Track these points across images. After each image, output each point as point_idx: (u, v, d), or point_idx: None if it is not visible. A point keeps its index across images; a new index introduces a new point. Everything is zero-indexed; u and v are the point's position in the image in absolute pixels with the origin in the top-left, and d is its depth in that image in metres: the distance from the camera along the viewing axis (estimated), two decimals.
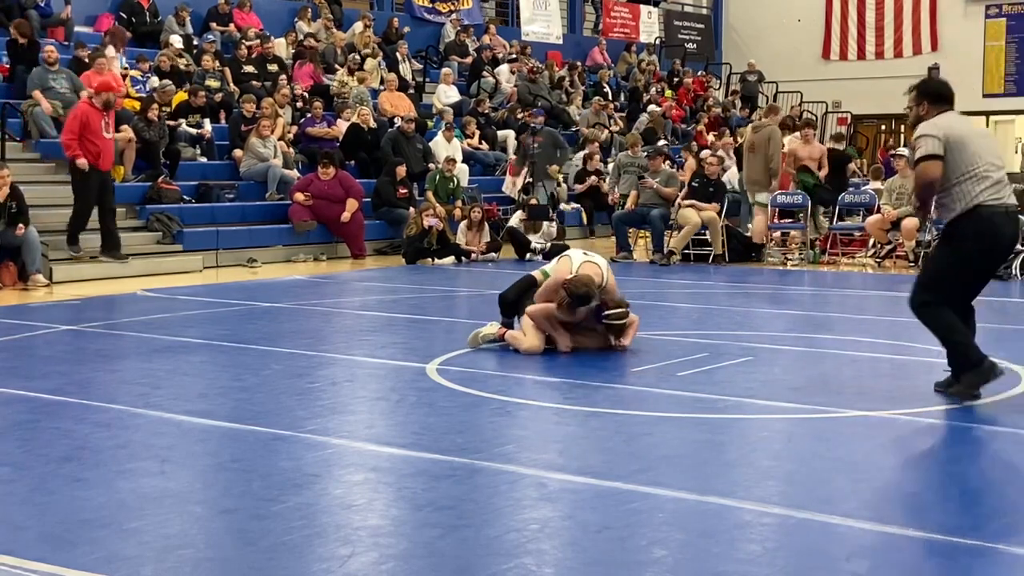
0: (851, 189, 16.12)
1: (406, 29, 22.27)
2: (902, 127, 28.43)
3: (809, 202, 14.93)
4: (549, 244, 15.29)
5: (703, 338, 7.78)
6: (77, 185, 12.96)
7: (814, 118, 22.13)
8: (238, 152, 15.87)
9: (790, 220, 15.54)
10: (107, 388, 6.89)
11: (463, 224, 15.40)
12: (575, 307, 7.57)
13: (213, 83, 17.09)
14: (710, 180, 15.10)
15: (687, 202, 14.77)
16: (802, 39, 28.68)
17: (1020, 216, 6.49)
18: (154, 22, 18.54)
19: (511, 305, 8.05)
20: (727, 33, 30.73)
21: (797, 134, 16.51)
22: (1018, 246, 12.93)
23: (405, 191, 16.26)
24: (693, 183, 15.09)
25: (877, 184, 17.18)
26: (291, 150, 16.39)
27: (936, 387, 6.45)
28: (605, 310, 7.77)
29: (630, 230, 15.75)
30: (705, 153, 16.65)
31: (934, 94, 6.45)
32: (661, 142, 20.81)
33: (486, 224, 15.56)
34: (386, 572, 3.79)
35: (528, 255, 15.27)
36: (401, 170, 16.16)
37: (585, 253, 8.06)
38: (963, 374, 6.28)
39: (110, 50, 16.58)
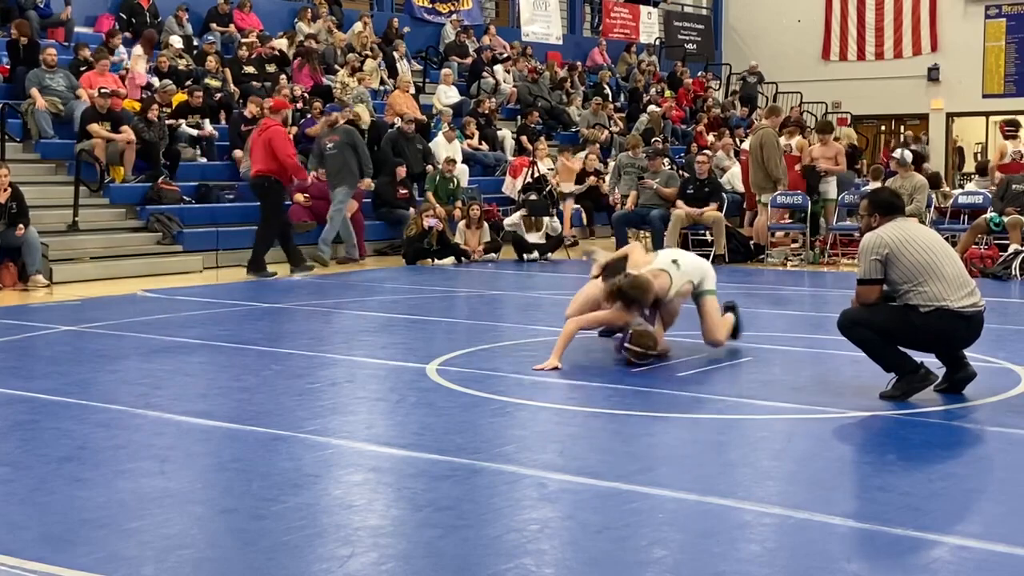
0: (851, 189, 16.12)
1: (406, 29, 22.28)
2: (902, 127, 28.45)
3: (809, 202, 14.92)
4: (553, 236, 15.33)
5: (702, 338, 7.78)
6: (275, 204, 13.29)
7: (806, 123, 22.12)
8: (238, 153, 15.87)
9: (790, 220, 15.54)
10: (107, 388, 6.89)
11: (462, 223, 15.41)
12: (617, 301, 7.34)
13: (213, 83, 17.09)
14: (703, 181, 15.10)
15: (681, 207, 14.76)
16: (802, 39, 28.68)
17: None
18: (154, 23, 18.55)
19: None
20: (727, 33, 30.73)
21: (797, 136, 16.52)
22: (1018, 246, 12.96)
23: (405, 192, 16.26)
24: (688, 188, 15.07)
25: (877, 184, 17.18)
26: None
27: (882, 396, 6.30)
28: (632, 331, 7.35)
29: (630, 230, 15.76)
30: (702, 156, 16.64)
31: (884, 204, 6.40)
32: (662, 145, 20.80)
33: (485, 224, 15.56)
34: (386, 572, 3.79)
35: (525, 255, 15.28)
36: (401, 171, 16.16)
37: (675, 261, 7.72)
38: (901, 379, 6.29)
39: (137, 48, 16.70)
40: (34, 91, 14.74)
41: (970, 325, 6.23)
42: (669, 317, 7.75)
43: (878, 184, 17.06)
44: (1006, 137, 15.14)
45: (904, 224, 6.31)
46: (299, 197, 15.18)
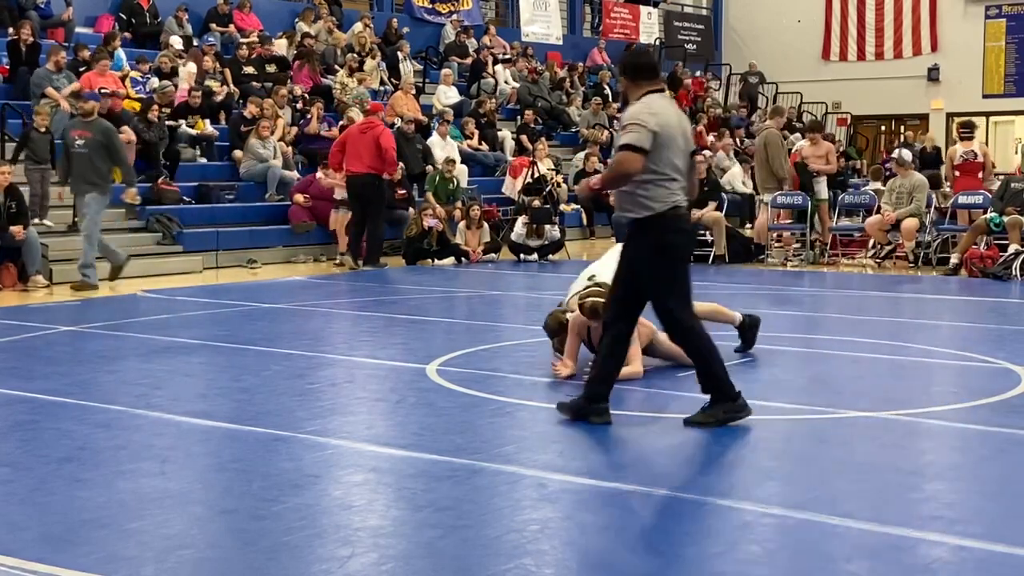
0: (851, 189, 16.12)
1: (405, 29, 22.28)
2: (902, 127, 28.45)
3: (809, 202, 14.93)
4: (549, 243, 15.32)
5: None
6: (381, 199, 14.15)
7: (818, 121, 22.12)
8: (238, 153, 15.87)
9: (790, 221, 15.55)
10: (107, 389, 6.89)
11: (462, 224, 15.41)
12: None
13: (213, 84, 17.09)
14: (702, 181, 15.10)
15: None
16: (802, 39, 28.67)
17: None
18: (154, 23, 18.56)
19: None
20: (727, 33, 30.73)
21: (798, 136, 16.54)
22: (1018, 246, 12.96)
23: (404, 192, 16.25)
24: None
25: (877, 185, 17.20)
26: (291, 151, 16.39)
27: (687, 422, 5.81)
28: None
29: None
30: (699, 157, 16.63)
31: (632, 67, 5.86)
32: None
33: (485, 224, 15.56)
34: (386, 573, 3.79)
35: (522, 255, 15.28)
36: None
37: (591, 277, 7.49)
38: (717, 404, 5.77)
39: (191, 66, 16.89)
40: (52, 91, 14.67)
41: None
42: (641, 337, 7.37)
43: (878, 184, 17.13)
44: (960, 139, 15.15)
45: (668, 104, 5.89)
46: (299, 197, 15.18)
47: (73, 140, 12.04)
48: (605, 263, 7.61)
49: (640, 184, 5.61)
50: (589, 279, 7.42)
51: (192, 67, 17.05)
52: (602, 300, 6.68)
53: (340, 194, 14.68)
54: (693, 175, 5.88)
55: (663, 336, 7.27)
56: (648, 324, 7.22)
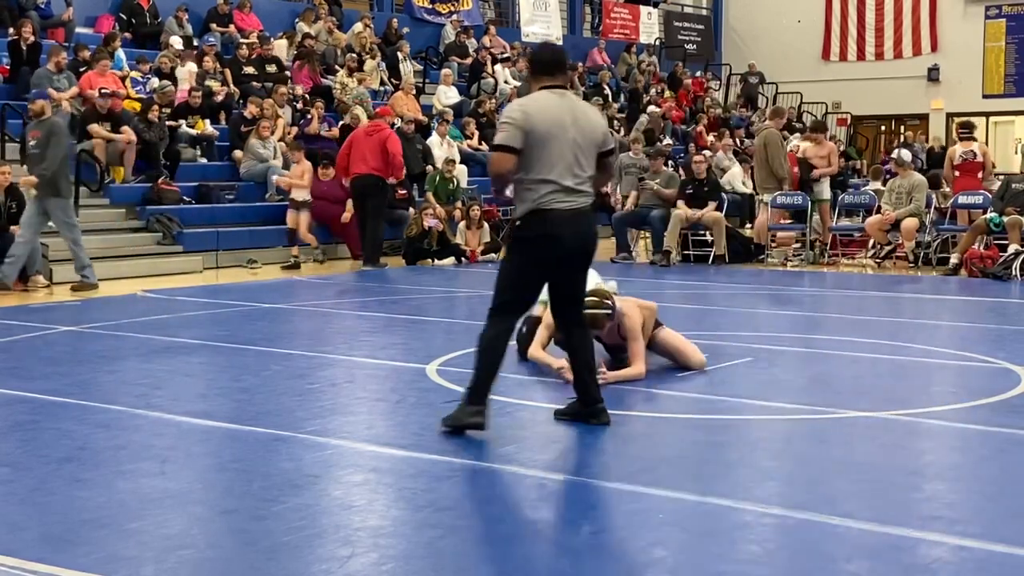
0: (851, 189, 16.12)
1: (405, 30, 22.28)
2: (902, 127, 28.45)
3: (809, 202, 14.93)
4: None
5: (703, 339, 7.77)
6: (383, 200, 14.33)
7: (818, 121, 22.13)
8: (238, 153, 15.88)
9: (791, 221, 15.55)
10: (107, 389, 6.89)
11: (462, 224, 15.41)
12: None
13: (213, 84, 17.09)
14: (702, 181, 15.11)
15: (681, 208, 14.75)
16: (802, 39, 28.68)
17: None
18: (154, 23, 18.55)
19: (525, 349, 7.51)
20: (727, 34, 30.74)
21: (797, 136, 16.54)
22: (1018, 246, 12.95)
23: (405, 192, 16.25)
24: (687, 188, 15.07)
25: (877, 185, 17.20)
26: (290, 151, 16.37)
27: (557, 415, 5.84)
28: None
29: (630, 231, 15.76)
30: (699, 156, 16.63)
31: (531, 61, 5.80)
32: (667, 142, 20.83)
33: (485, 224, 15.55)
34: (386, 573, 3.79)
35: None
36: None
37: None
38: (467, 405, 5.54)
39: (190, 65, 16.95)
40: (55, 93, 14.67)
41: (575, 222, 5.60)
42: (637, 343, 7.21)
43: (878, 184, 17.13)
44: (960, 139, 15.14)
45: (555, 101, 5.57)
46: None
47: (28, 141, 12.05)
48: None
49: (516, 183, 5.51)
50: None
51: (192, 67, 17.06)
52: (600, 311, 6.77)
53: (299, 195, 14.67)
54: (603, 175, 5.68)
55: (667, 332, 7.29)
56: (650, 305, 7.23)
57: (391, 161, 14.10)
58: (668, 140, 21.01)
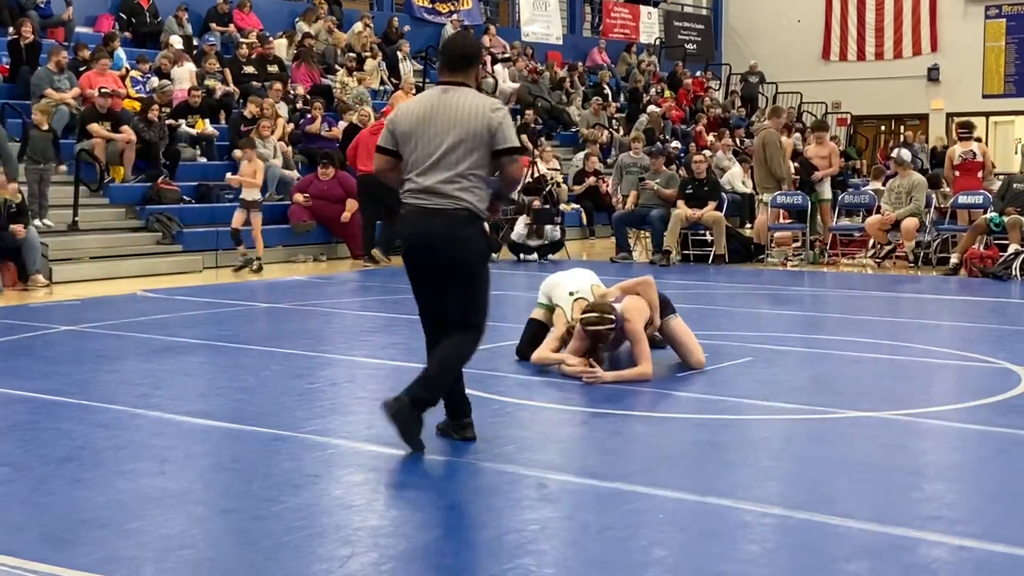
0: (851, 189, 16.11)
1: (407, 28, 22.29)
2: (902, 127, 28.46)
3: (809, 202, 14.92)
4: (549, 243, 15.32)
5: (703, 339, 7.77)
6: (395, 197, 13.96)
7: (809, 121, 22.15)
8: (238, 153, 15.87)
9: (791, 220, 15.54)
10: (107, 389, 6.89)
11: None
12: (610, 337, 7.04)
13: (213, 84, 17.10)
14: (702, 180, 15.11)
15: (681, 207, 14.75)
16: (802, 39, 28.69)
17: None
18: (154, 23, 18.56)
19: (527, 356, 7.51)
20: (727, 33, 30.75)
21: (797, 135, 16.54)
22: (1018, 246, 12.95)
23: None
24: (687, 188, 15.07)
25: (877, 184, 17.20)
26: (290, 150, 16.39)
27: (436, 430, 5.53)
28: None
29: (630, 230, 15.76)
30: (699, 156, 16.63)
31: (441, 55, 5.55)
32: (674, 144, 20.85)
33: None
34: (386, 573, 3.79)
35: (521, 255, 15.29)
36: None
37: (571, 293, 7.46)
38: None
39: (188, 66, 16.91)
40: (53, 93, 14.67)
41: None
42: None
43: (878, 184, 17.12)
44: (960, 139, 15.14)
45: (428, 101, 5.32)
46: (298, 197, 15.18)
47: None
48: (577, 278, 7.64)
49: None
50: (571, 294, 7.44)
51: (190, 67, 17.03)
52: (603, 327, 6.82)
53: (249, 194, 13.73)
54: (502, 177, 5.27)
55: (677, 323, 7.30)
56: (645, 284, 7.22)
57: None
58: (676, 143, 20.99)
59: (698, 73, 27.13)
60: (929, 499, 4.60)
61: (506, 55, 23.14)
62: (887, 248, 14.69)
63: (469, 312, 5.28)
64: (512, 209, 16.94)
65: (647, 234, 15.93)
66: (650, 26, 28.69)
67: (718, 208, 14.99)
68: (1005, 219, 13.20)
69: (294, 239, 15.20)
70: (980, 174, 14.93)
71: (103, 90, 14.56)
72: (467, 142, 5.15)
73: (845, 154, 23.81)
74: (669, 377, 7.08)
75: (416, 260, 5.29)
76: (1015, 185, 13.88)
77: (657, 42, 28.37)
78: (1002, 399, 6.39)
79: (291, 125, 16.90)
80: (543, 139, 19.63)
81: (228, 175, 15.16)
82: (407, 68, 20.75)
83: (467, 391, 5.52)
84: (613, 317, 6.87)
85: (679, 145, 21.12)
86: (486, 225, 5.44)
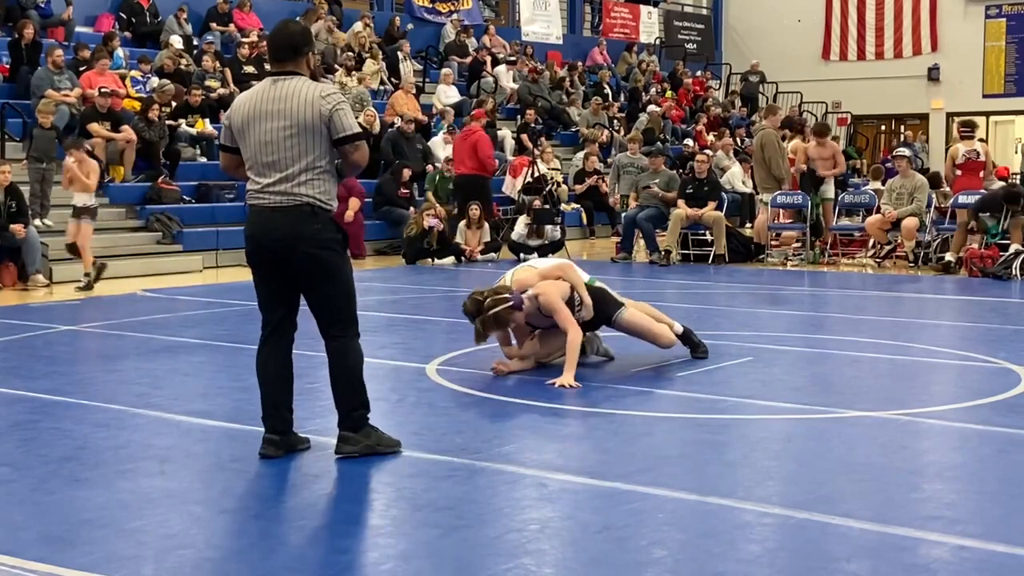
0: (851, 189, 16.11)
1: (410, 26, 22.29)
2: (902, 127, 28.45)
3: (809, 202, 14.92)
4: (549, 242, 15.32)
5: (703, 338, 7.77)
6: (489, 196, 16.01)
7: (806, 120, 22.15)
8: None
9: (791, 220, 15.54)
10: (107, 388, 6.89)
11: (462, 223, 15.41)
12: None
13: (213, 83, 17.09)
14: (702, 180, 15.11)
15: (681, 207, 14.74)
16: (802, 39, 28.68)
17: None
18: (154, 22, 18.56)
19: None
20: (727, 33, 30.74)
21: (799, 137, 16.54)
22: (1018, 246, 12.95)
23: (406, 191, 16.27)
24: (687, 188, 15.06)
25: (877, 184, 17.19)
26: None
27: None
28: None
29: (637, 231, 15.73)
30: (700, 156, 16.64)
31: (267, 47, 5.30)
32: (687, 142, 20.86)
33: (485, 224, 15.55)
34: (386, 572, 3.79)
35: (522, 255, 15.29)
36: (407, 172, 16.20)
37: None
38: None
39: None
40: (54, 93, 14.65)
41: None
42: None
43: (878, 184, 17.12)
44: (962, 138, 15.12)
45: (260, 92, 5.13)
46: None
47: None
48: (514, 269, 7.60)
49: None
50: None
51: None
52: (500, 308, 6.79)
53: (80, 199, 11.76)
54: (350, 160, 5.05)
55: (630, 313, 7.26)
56: (559, 267, 7.22)
57: (483, 160, 15.73)
58: (689, 142, 20.97)
59: (698, 73, 27.13)
60: (929, 499, 4.60)
61: (511, 58, 23.07)
62: (887, 248, 14.69)
63: (334, 314, 5.13)
64: (512, 209, 16.96)
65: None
66: (650, 26, 28.69)
67: (718, 208, 15.00)
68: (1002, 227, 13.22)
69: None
70: (981, 174, 14.92)
71: (103, 90, 14.56)
72: (301, 134, 4.93)
73: (845, 154, 23.80)
74: (669, 377, 7.09)
75: (258, 263, 5.09)
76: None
77: (657, 42, 28.37)
78: (1002, 399, 6.39)
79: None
80: (543, 139, 19.62)
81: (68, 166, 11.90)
82: (407, 68, 20.74)
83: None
84: (507, 296, 6.84)
85: (689, 142, 21.10)
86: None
